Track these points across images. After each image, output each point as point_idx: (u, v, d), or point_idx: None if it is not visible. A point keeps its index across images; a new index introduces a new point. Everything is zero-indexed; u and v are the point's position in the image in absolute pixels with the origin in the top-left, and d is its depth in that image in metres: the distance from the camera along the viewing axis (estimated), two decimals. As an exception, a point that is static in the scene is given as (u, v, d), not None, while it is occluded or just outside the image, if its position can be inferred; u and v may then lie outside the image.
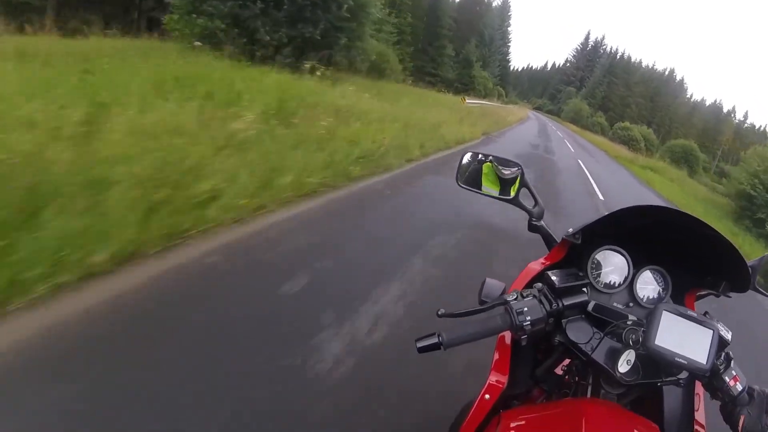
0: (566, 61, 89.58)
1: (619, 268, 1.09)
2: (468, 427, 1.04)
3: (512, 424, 0.89)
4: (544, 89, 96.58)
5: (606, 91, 71.33)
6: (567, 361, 1.17)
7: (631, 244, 1.10)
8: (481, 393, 1.04)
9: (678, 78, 79.84)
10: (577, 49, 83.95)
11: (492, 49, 56.17)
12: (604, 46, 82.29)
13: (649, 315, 0.87)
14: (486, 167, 1.25)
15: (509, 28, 63.16)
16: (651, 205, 0.99)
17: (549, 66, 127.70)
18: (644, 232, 1.08)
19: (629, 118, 62.97)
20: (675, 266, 1.08)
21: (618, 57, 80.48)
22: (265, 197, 3.81)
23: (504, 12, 61.69)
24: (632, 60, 76.64)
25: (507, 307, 0.92)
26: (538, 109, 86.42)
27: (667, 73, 78.32)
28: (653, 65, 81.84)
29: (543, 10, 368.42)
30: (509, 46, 64.59)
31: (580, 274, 1.05)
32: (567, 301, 0.96)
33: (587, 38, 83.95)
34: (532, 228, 1.26)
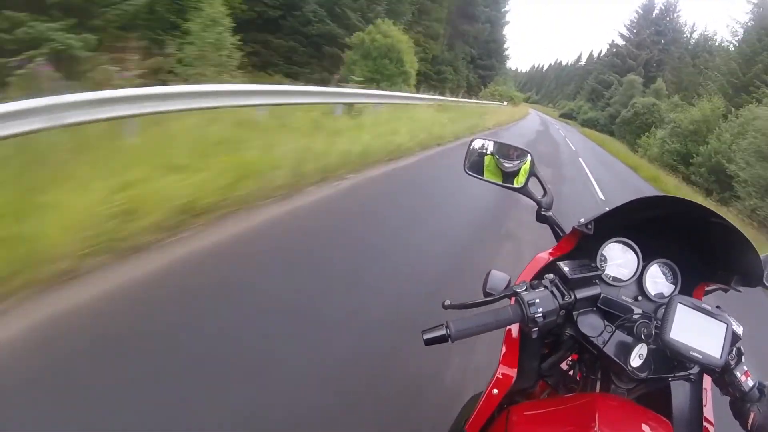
0: (611, 46, 58.73)
1: (628, 262, 1.08)
2: (475, 422, 1.03)
3: (523, 419, 0.89)
4: (578, 88, 68.51)
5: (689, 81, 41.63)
6: (573, 357, 1.15)
7: (641, 236, 1.08)
8: (489, 387, 1.02)
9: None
10: (633, 19, 53.58)
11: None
12: (678, 13, 52.29)
13: (664, 308, 0.87)
14: (488, 159, 1.25)
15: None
16: (662, 196, 0.98)
17: (584, 59, 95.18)
18: (654, 225, 1.07)
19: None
20: (685, 259, 1.07)
21: (694, 32, 50.87)
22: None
23: None
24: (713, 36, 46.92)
25: (518, 298, 0.91)
26: (568, 117, 56.87)
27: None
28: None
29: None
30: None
31: (593, 265, 1.04)
32: (580, 294, 0.95)
33: (651, 1, 53.39)
34: (541, 218, 1.24)
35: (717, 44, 43.85)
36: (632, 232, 1.08)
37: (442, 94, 27.69)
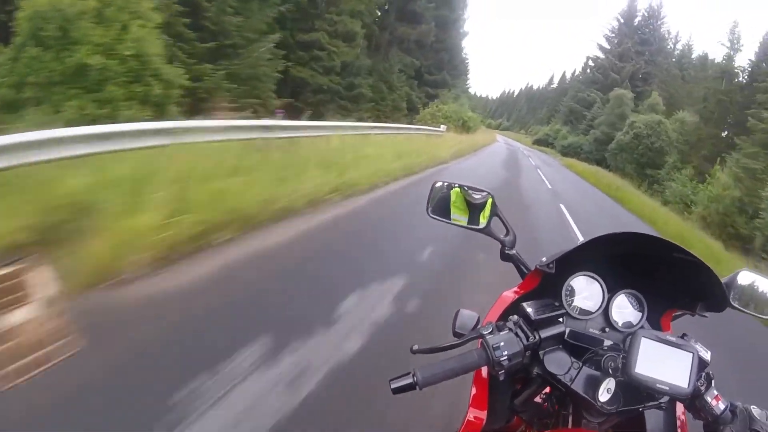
0: (589, 60, 51.40)
1: (594, 294, 1.09)
2: None
3: None
4: (553, 111, 61.97)
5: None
6: (547, 389, 1.14)
7: (606, 268, 1.10)
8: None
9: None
10: (614, 28, 45.61)
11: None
12: (662, 20, 44.99)
13: (629, 342, 0.88)
14: (454, 193, 1.27)
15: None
16: (623, 233, 1.01)
17: (556, 80, 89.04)
18: (618, 257, 1.09)
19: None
20: (650, 288, 1.09)
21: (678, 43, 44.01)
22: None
23: None
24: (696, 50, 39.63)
25: (483, 342, 0.92)
26: (543, 144, 48.70)
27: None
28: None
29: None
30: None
31: (556, 303, 1.06)
32: (544, 333, 0.96)
33: (632, 7, 45.46)
34: (505, 257, 1.26)
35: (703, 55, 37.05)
36: (597, 265, 1.10)
37: (362, 118, 18.44)
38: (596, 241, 1.03)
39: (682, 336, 0.91)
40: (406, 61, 25.50)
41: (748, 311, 1.05)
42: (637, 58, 42.73)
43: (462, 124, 25.05)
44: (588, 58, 51.77)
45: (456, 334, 1.03)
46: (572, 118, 46.15)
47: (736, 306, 1.03)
